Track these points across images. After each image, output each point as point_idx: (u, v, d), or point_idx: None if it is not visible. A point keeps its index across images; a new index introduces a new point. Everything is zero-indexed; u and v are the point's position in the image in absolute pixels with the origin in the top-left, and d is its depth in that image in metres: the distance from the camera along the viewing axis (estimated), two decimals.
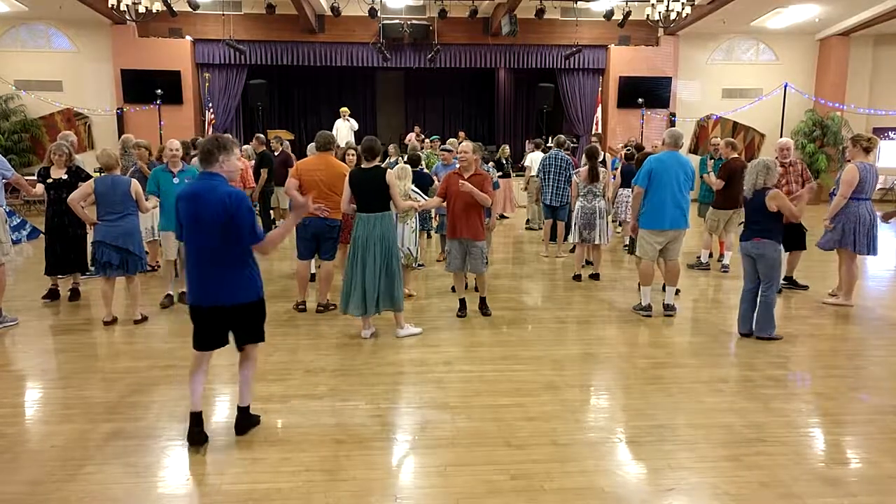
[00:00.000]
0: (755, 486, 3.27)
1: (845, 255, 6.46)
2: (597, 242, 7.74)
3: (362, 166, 5.47)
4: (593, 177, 7.63)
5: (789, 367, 4.99)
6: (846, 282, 6.56)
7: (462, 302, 6.31)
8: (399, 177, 6.22)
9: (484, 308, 6.31)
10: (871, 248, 6.37)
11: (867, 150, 6.24)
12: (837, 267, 6.69)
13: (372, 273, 5.35)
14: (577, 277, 7.76)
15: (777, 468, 3.44)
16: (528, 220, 12.31)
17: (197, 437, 3.64)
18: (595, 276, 7.84)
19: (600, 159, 7.90)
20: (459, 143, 7.30)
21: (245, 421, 3.82)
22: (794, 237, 7.09)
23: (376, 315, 5.63)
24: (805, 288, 7.29)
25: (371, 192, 5.36)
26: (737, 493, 3.21)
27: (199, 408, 3.66)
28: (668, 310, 6.28)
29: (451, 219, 6.02)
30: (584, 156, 7.89)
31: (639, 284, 6.42)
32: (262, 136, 10.88)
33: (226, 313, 3.54)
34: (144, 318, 6.01)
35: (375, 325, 5.73)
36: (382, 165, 5.69)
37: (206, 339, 3.61)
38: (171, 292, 6.65)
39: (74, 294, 6.87)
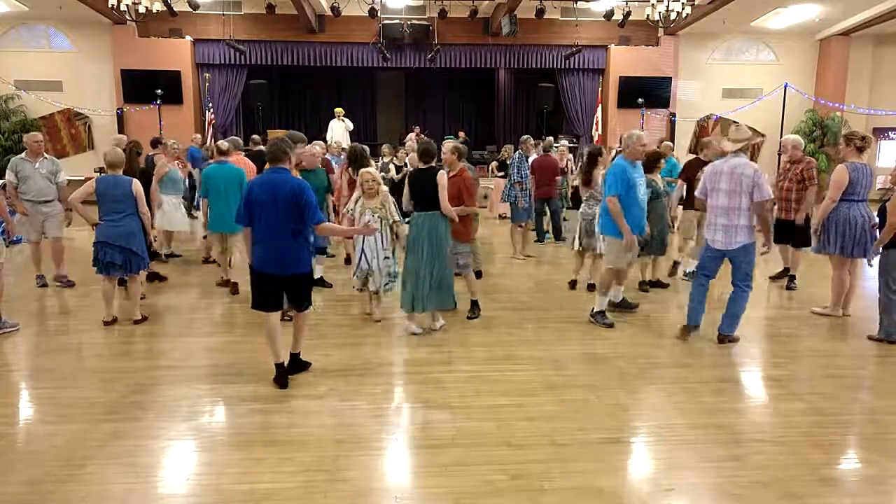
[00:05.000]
0: (755, 486, 3.27)
1: (835, 262, 6.14)
2: (598, 252, 7.03)
3: (420, 167, 5.65)
4: (586, 181, 7.24)
5: (789, 367, 4.99)
6: (834, 291, 6.24)
7: None
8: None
9: (473, 310, 6.21)
10: (866, 252, 6.00)
11: (861, 150, 6.00)
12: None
13: (420, 270, 5.48)
14: (574, 284, 7.41)
15: (777, 468, 3.44)
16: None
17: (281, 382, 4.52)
18: (593, 287, 7.26)
19: (600, 163, 7.47)
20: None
21: (295, 364, 4.68)
22: (802, 235, 7.01)
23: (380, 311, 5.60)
24: (792, 289, 7.30)
25: (424, 191, 5.53)
26: (737, 493, 3.21)
27: (281, 359, 4.55)
28: (591, 315, 6.11)
29: None
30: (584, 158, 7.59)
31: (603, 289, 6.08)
32: (257, 137, 10.88)
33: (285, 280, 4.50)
34: (144, 318, 6.01)
35: (377, 323, 5.73)
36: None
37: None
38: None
39: (153, 277, 7.34)
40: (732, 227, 5.21)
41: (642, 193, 5.84)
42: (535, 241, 10.07)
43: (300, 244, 4.41)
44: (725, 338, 5.45)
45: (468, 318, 6.12)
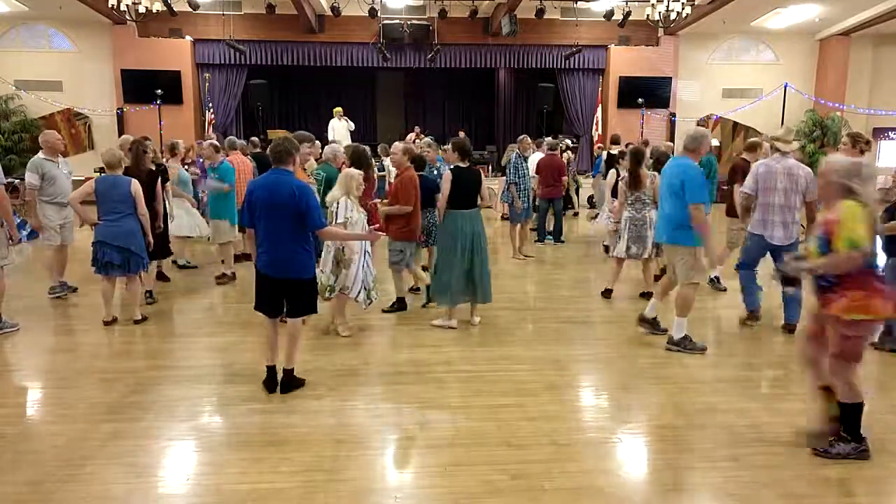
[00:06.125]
0: (755, 486, 3.27)
1: None
2: (644, 257, 6.83)
3: (461, 165, 5.76)
4: (636, 183, 6.76)
5: (789, 367, 4.99)
6: None
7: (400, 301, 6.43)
8: (338, 183, 5.46)
9: (396, 304, 6.40)
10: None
11: (863, 153, 6.07)
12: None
13: (480, 265, 5.75)
14: (608, 293, 6.93)
15: (777, 468, 3.44)
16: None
17: (269, 385, 4.40)
18: (647, 295, 6.55)
19: (646, 162, 7.00)
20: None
21: (288, 381, 4.40)
22: None
23: (378, 313, 5.60)
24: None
25: (473, 189, 5.77)
26: (737, 493, 3.21)
27: (273, 362, 4.39)
28: (669, 343, 5.36)
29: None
30: (627, 158, 7.15)
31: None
32: (255, 139, 10.89)
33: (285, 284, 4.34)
34: (144, 318, 6.00)
35: (377, 324, 5.73)
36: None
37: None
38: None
39: (160, 276, 7.30)
40: (790, 224, 5.51)
41: None
42: (536, 242, 10.08)
43: (300, 248, 4.25)
44: (795, 326, 5.59)
45: (385, 311, 6.28)
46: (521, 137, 9.45)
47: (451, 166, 5.82)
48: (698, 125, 16.63)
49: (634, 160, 6.76)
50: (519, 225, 9.20)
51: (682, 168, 5.10)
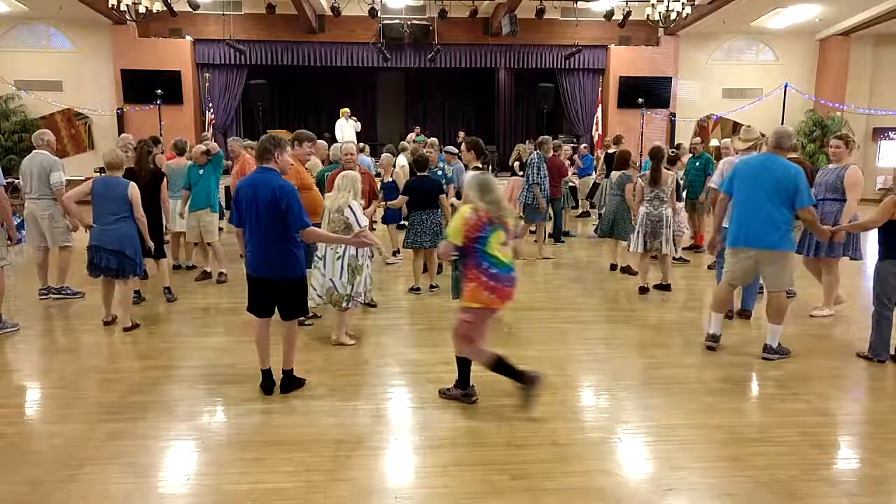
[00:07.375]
0: (755, 486, 3.27)
1: (832, 263, 6.14)
2: (664, 252, 7.02)
3: (479, 164, 5.79)
4: (655, 180, 6.94)
5: (789, 367, 4.99)
6: (827, 291, 6.25)
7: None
8: (340, 187, 5.22)
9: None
10: (855, 252, 6.08)
11: (851, 151, 6.19)
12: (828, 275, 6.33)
13: None
14: (644, 290, 7.09)
15: (777, 468, 3.44)
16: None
17: (266, 387, 4.37)
18: (664, 287, 7.18)
19: (665, 161, 7.21)
20: (459, 145, 7.34)
21: (287, 381, 4.40)
22: None
23: (378, 313, 5.58)
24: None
25: None
26: (737, 493, 3.21)
27: (267, 365, 4.36)
28: (768, 352, 5.15)
29: None
30: (648, 156, 7.34)
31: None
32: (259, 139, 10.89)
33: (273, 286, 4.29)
34: (136, 326, 5.78)
35: (377, 324, 5.72)
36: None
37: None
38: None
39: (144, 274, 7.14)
40: None
41: None
42: (535, 242, 10.07)
43: (286, 249, 4.17)
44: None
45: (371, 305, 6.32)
46: (544, 138, 9.33)
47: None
48: (699, 125, 16.74)
49: (656, 159, 7.02)
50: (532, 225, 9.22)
51: (794, 170, 4.87)
